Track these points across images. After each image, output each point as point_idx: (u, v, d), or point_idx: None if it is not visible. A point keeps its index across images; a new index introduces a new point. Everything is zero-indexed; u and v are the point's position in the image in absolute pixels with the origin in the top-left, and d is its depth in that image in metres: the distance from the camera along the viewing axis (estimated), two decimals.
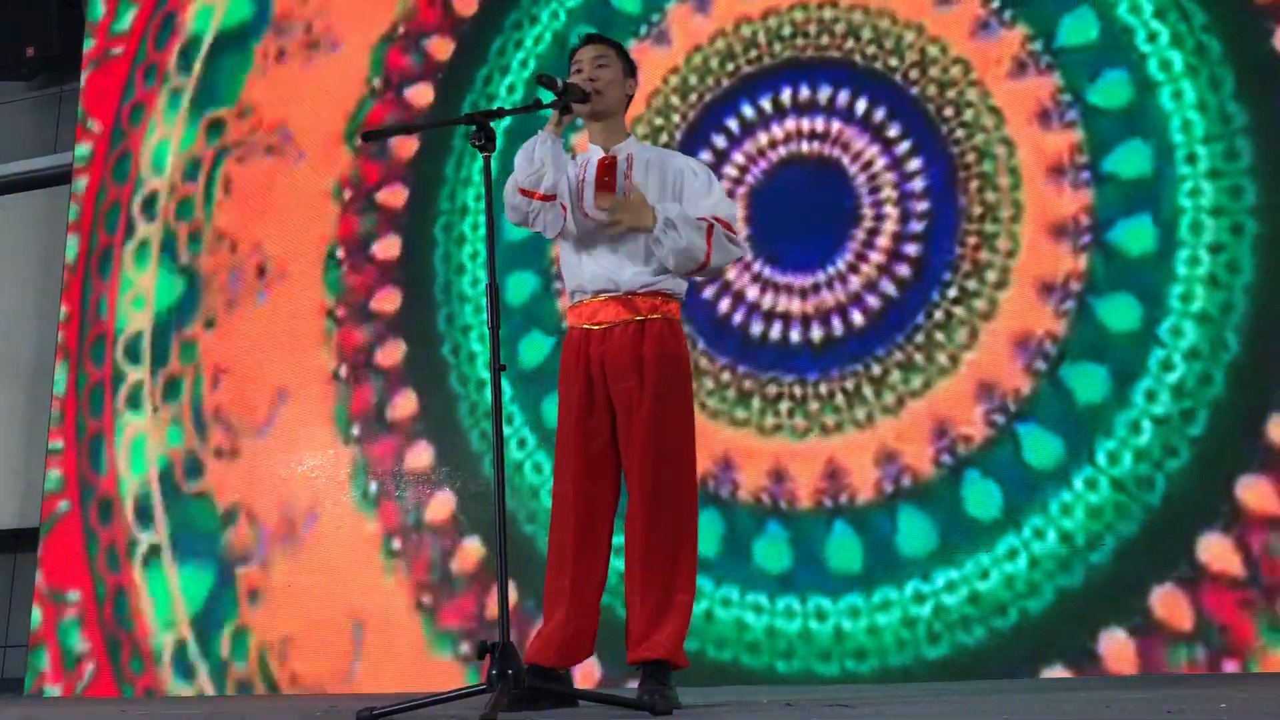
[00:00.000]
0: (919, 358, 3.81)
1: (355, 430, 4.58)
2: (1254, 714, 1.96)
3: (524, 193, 2.67)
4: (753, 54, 4.26)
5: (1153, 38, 3.77)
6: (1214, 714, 1.98)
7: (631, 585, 2.62)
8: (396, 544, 4.39)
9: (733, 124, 4.23)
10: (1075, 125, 3.79)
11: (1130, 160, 3.71)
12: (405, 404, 4.52)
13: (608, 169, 2.70)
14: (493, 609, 4.12)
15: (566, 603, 2.61)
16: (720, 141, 4.23)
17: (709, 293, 4.12)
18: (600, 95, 2.74)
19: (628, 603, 2.63)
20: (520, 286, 4.40)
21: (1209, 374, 3.51)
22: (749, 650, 3.78)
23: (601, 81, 2.75)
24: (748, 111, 4.22)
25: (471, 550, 4.28)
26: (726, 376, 4.03)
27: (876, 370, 3.85)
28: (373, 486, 4.49)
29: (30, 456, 5.41)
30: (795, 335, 3.98)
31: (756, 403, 3.96)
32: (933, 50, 4.01)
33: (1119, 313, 3.63)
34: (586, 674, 3.84)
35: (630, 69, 2.85)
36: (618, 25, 4.42)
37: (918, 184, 3.95)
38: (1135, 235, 3.66)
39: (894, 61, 4.06)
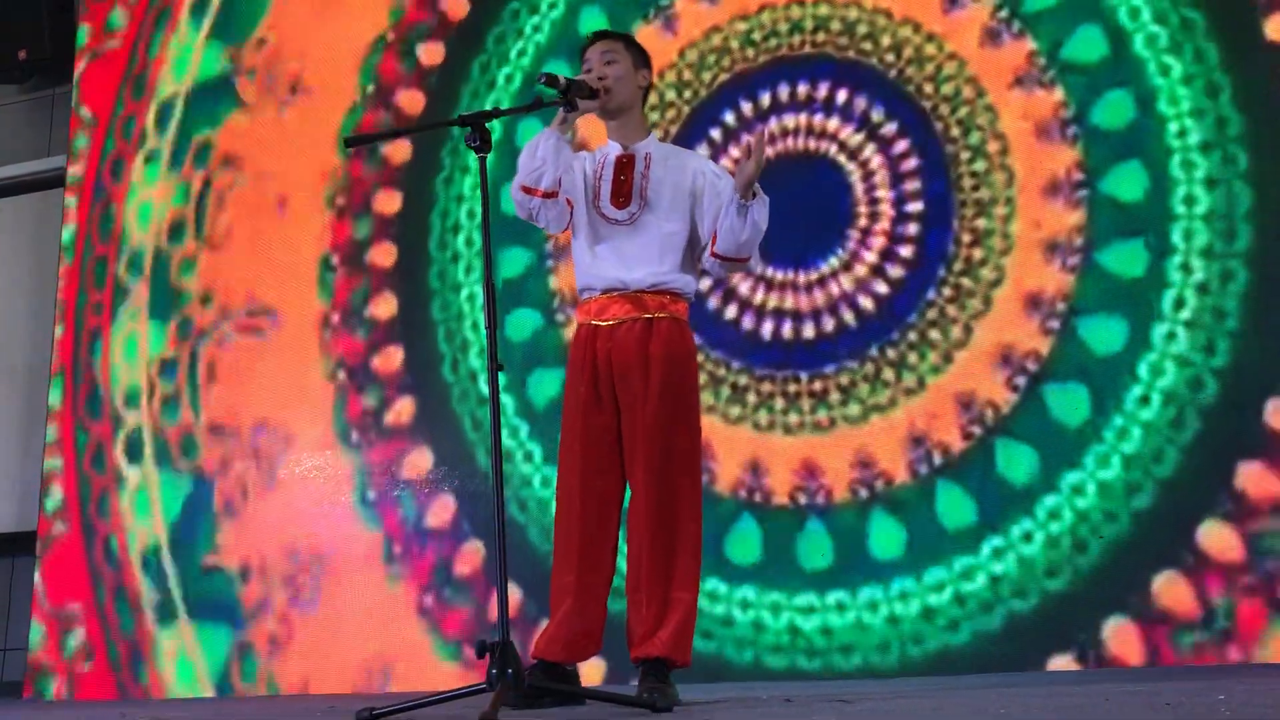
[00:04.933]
0: (911, 356, 3.81)
1: (354, 437, 4.58)
2: (1252, 706, 1.97)
3: (525, 190, 2.66)
4: (749, 50, 4.25)
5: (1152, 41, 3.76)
6: (1212, 707, 1.98)
7: (634, 583, 2.63)
8: (397, 548, 4.39)
9: (729, 118, 4.23)
10: (1071, 132, 3.79)
11: (1127, 182, 3.71)
12: (403, 409, 4.52)
13: (624, 168, 2.72)
14: (494, 609, 4.11)
15: (572, 598, 2.62)
16: (717, 135, 4.23)
17: (702, 285, 4.12)
18: (610, 93, 2.72)
19: (630, 601, 2.64)
20: (514, 262, 4.40)
21: (1213, 342, 3.51)
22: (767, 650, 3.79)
23: (610, 78, 2.73)
24: (745, 106, 4.22)
25: (472, 550, 4.27)
26: (722, 373, 4.03)
27: (870, 368, 3.85)
28: (371, 492, 4.49)
29: (27, 459, 5.40)
30: (788, 332, 3.98)
31: (751, 398, 3.96)
32: (930, 48, 4.01)
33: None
34: (589, 671, 3.83)
35: (642, 60, 2.82)
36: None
37: (913, 184, 3.95)
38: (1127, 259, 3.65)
39: (890, 58, 4.05)
